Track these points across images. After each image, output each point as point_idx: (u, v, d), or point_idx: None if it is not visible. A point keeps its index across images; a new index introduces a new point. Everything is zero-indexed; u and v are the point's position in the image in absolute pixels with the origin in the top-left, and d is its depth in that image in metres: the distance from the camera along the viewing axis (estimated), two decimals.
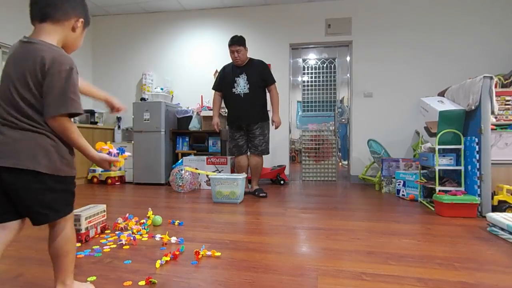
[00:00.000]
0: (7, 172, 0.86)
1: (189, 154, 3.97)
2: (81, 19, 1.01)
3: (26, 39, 0.92)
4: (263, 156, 3.12)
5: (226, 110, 3.22)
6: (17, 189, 0.89)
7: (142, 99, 4.16)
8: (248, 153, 3.12)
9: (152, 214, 2.10)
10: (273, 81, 3.05)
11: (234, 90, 3.00)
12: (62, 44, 0.98)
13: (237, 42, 2.92)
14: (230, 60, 3.10)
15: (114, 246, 1.60)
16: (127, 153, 1.11)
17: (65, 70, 0.89)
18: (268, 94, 3.09)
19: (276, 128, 3.09)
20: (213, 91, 3.19)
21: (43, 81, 0.88)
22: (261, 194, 3.01)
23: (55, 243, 0.98)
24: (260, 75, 3.00)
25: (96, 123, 4.32)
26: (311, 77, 5.23)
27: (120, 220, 1.93)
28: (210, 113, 3.23)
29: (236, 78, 2.99)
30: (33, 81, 0.88)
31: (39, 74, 0.88)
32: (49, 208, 0.93)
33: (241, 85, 2.98)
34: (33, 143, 0.89)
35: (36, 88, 0.89)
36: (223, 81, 3.08)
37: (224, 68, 3.14)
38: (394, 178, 3.18)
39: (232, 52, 2.95)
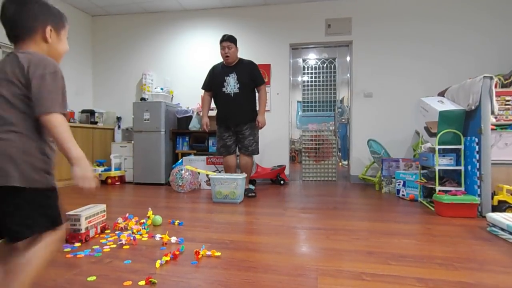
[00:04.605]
0: None
1: (189, 154, 3.97)
2: (49, 27, 0.94)
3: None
4: (253, 155, 3.12)
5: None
6: None
7: (142, 99, 4.16)
8: (238, 153, 3.12)
9: (152, 214, 2.10)
10: (263, 82, 3.04)
11: (224, 89, 2.98)
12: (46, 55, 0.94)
13: (228, 39, 2.93)
14: None
15: (114, 246, 1.60)
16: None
17: (49, 72, 0.87)
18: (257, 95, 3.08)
19: (260, 128, 3.07)
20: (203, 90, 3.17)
21: (26, 81, 0.85)
22: (250, 194, 3.00)
23: (18, 259, 0.83)
24: (250, 75, 2.98)
25: (96, 123, 4.32)
26: (311, 77, 5.23)
27: (120, 220, 1.93)
28: (211, 113, 3.23)
29: (226, 78, 2.98)
30: (16, 81, 0.85)
31: (20, 76, 0.85)
32: (22, 224, 0.84)
33: (231, 85, 2.96)
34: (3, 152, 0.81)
35: (17, 87, 0.85)
36: (213, 81, 3.06)
37: (214, 67, 3.12)
38: (394, 178, 3.18)
39: (223, 48, 2.94)
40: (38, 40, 0.94)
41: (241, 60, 3.05)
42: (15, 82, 0.85)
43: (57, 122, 0.85)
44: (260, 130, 3.12)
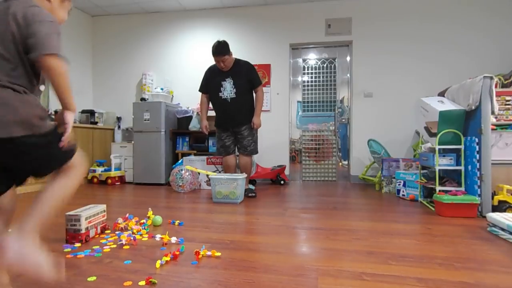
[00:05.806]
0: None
1: (189, 154, 3.97)
2: None
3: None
4: (253, 155, 3.11)
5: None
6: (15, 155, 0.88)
7: (142, 99, 4.16)
8: (237, 153, 3.12)
9: (152, 214, 2.10)
10: (260, 83, 2.99)
11: (220, 94, 2.94)
12: None
13: (221, 53, 2.80)
14: None
15: (114, 246, 1.60)
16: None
17: (48, 20, 0.93)
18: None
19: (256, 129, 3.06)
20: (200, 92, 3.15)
21: (26, 29, 0.88)
22: (250, 194, 2.99)
23: (51, 186, 0.93)
24: (247, 77, 2.93)
25: (96, 123, 4.32)
26: (311, 77, 5.23)
27: (120, 220, 1.93)
28: (210, 113, 3.23)
29: (222, 82, 2.92)
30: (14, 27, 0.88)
31: (21, 24, 0.89)
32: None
33: (228, 90, 2.91)
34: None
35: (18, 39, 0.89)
36: (209, 84, 3.01)
37: (210, 69, 3.05)
38: (394, 178, 3.18)
39: (217, 62, 2.87)
40: None
41: (237, 61, 2.97)
42: (13, 28, 0.88)
43: (60, 64, 0.91)
44: (259, 130, 3.12)
